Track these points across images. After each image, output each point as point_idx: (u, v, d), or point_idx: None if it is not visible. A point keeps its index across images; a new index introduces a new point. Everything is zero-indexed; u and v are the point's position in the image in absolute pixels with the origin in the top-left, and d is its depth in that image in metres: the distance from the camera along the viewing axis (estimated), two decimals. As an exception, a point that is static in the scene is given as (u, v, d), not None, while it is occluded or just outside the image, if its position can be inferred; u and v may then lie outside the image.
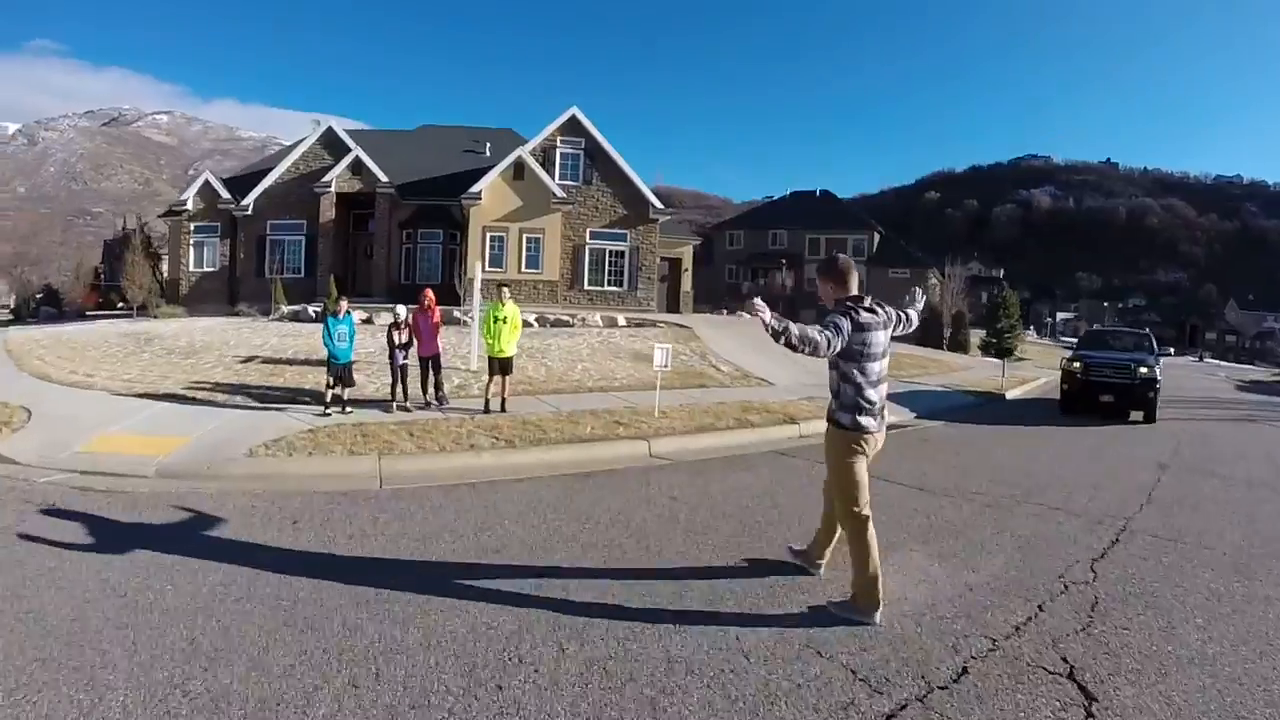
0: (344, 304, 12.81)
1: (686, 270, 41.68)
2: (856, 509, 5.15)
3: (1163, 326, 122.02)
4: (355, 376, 12.76)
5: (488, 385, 12.75)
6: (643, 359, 18.83)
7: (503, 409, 12.31)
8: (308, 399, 12.62)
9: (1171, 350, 28.05)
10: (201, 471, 8.61)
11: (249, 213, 34.94)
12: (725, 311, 45.39)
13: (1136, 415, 17.46)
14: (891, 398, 6.69)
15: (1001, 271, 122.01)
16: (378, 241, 35.19)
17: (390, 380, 12.67)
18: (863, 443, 5.14)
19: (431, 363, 13.00)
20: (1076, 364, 18.31)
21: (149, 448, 9.32)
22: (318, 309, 25.39)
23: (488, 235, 32.14)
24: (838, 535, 5.69)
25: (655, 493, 8.34)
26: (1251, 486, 10.37)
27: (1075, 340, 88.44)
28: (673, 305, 38.19)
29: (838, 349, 4.90)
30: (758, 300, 4.76)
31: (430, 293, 13.59)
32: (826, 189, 78.34)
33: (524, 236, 32.54)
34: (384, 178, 34.42)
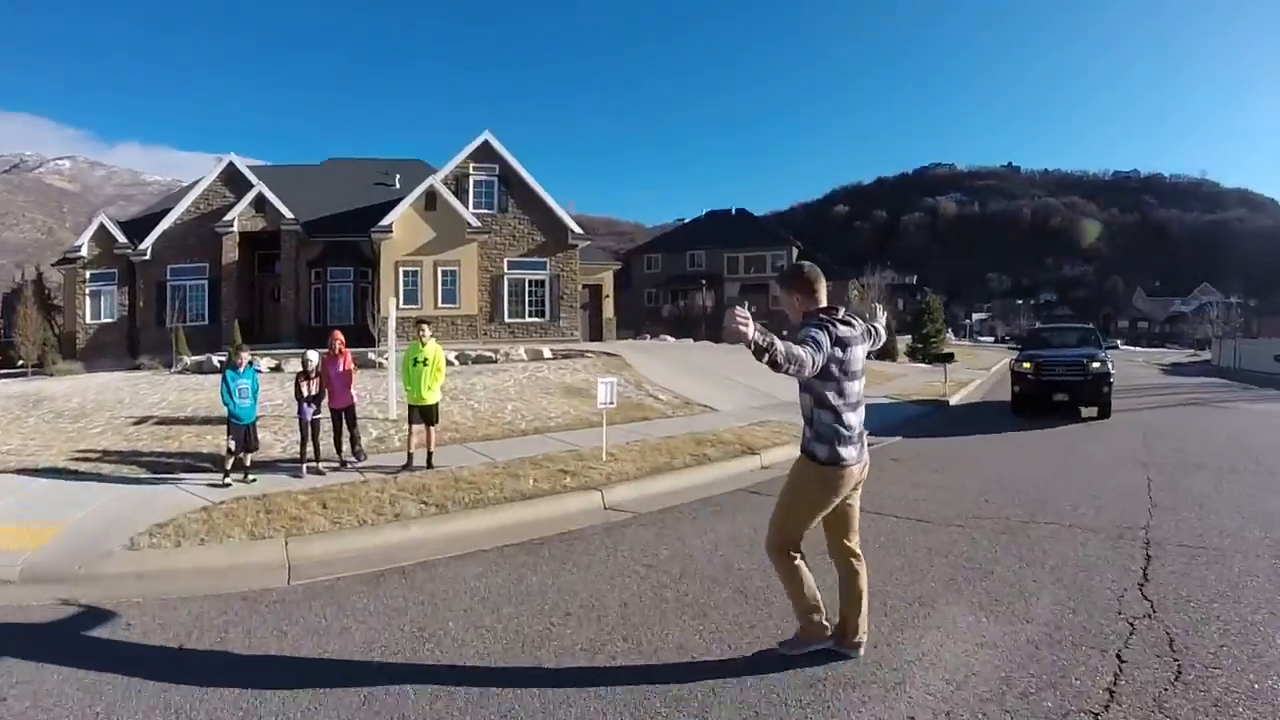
0: (245, 355, 11.05)
1: (608, 297, 40.81)
2: (792, 552, 4.70)
3: (1076, 318, 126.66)
4: (261, 435, 11.20)
5: (409, 437, 11.15)
6: (576, 393, 17.91)
7: (429, 464, 10.79)
8: (207, 465, 10.90)
9: (1118, 342, 27.96)
10: (73, 572, 6.85)
11: (147, 257, 32.47)
12: (648, 336, 44.95)
13: (1090, 411, 17.57)
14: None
15: (914, 278, 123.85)
16: (284, 282, 32.97)
17: (299, 438, 10.94)
18: (840, 479, 4.56)
19: (345, 415, 11.43)
20: (1027, 364, 18.15)
21: (15, 540, 7.50)
22: (222, 358, 23.40)
23: (401, 270, 30.59)
24: (864, 600, 4.80)
25: (626, 561, 6.97)
26: (1239, 474, 10.66)
27: (994, 339, 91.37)
28: (595, 333, 37.04)
29: (819, 367, 4.29)
30: (739, 310, 3.82)
31: (339, 335, 11.80)
32: (742, 208, 78.05)
33: (439, 270, 31.06)
34: (289, 214, 32.33)
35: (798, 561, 4.69)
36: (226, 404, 10.27)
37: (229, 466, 9.97)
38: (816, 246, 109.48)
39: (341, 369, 11.43)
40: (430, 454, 11.00)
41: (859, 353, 4.66)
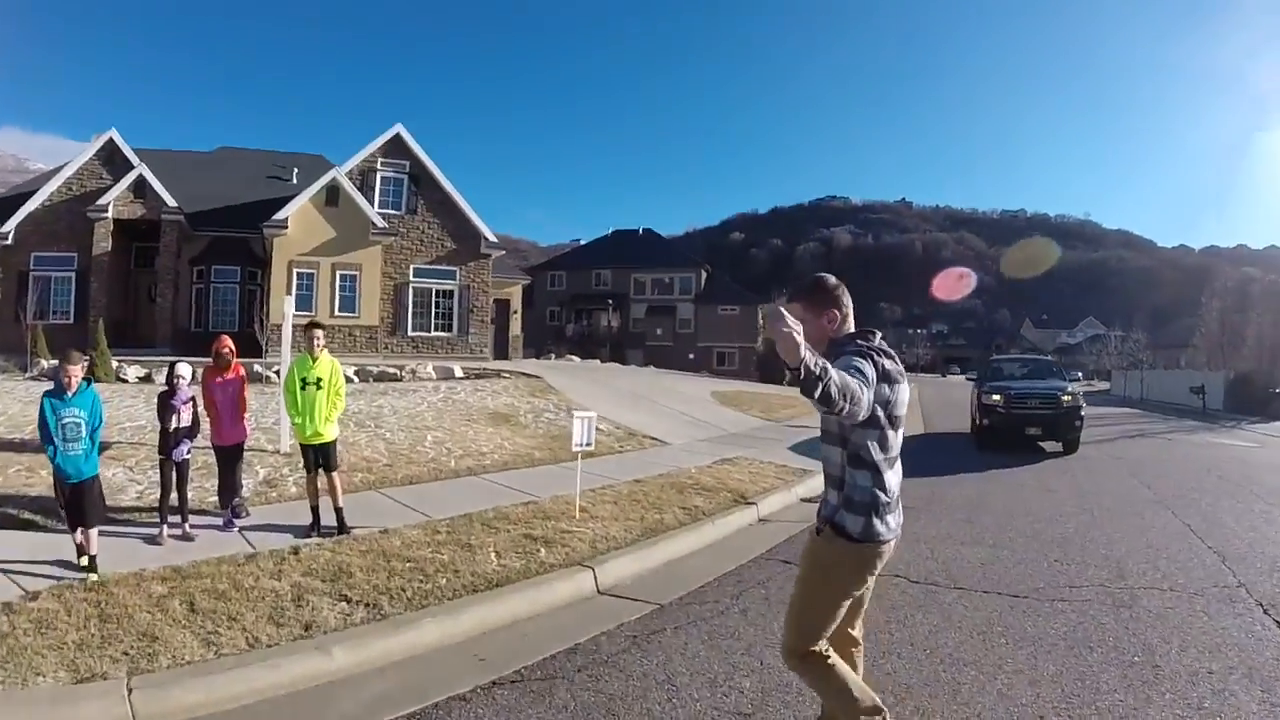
0: (76, 369, 6.35)
1: (515, 313, 38.43)
2: (816, 648, 3.52)
3: (969, 349, 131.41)
4: (114, 471, 8.81)
5: (311, 485, 8.10)
6: (503, 420, 15.65)
7: (341, 527, 7.81)
8: (35, 518, 7.78)
9: (1079, 375, 27.90)
10: None
11: (9, 242, 27.66)
12: (553, 355, 43.44)
13: (1055, 446, 17.21)
14: (804, 450, 6.40)
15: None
16: (163, 279, 28.62)
17: (159, 486, 7.65)
18: (877, 558, 3.47)
19: (230, 455, 8.38)
20: (997, 396, 17.47)
21: None
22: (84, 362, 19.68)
23: (294, 271, 26.96)
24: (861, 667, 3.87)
25: (703, 707, 4.42)
26: (1256, 506, 11.14)
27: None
28: (501, 351, 34.32)
29: (870, 409, 3.10)
30: (788, 318, 2.67)
31: (228, 342, 8.65)
32: (649, 228, 76.15)
33: (338, 273, 27.58)
34: (172, 202, 27.85)
35: (831, 659, 3.59)
36: (48, 450, 6.33)
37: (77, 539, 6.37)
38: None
39: (233, 391, 8.45)
40: (339, 510, 7.97)
41: (905, 394, 3.51)
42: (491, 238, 31.62)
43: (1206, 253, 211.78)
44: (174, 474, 7.62)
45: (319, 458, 8.14)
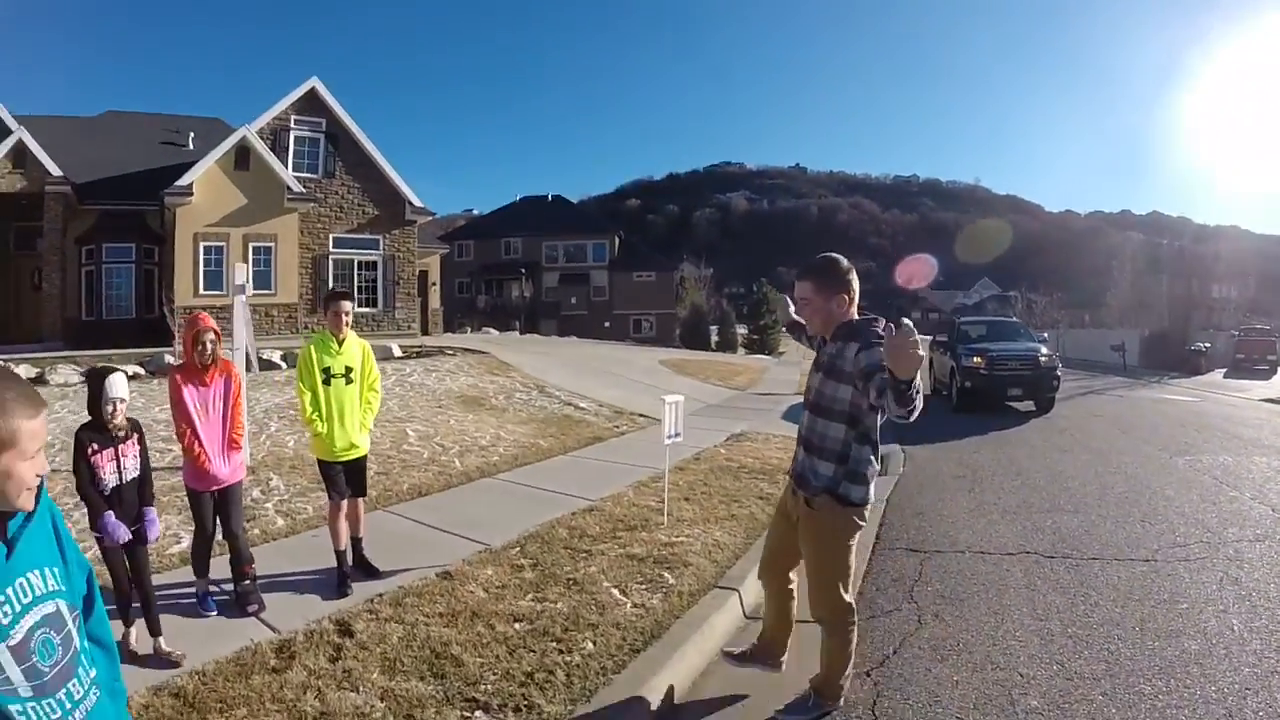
0: None
1: (434, 285, 35.97)
2: (847, 596, 3.94)
3: (868, 310, 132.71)
4: None
5: (336, 520, 5.73)
6: (476, 404, 14.07)
7: (364, 567, 5.84)
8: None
9: (1045, 335, 28.42)
10: None
11: None
12: (468, 329, 41.94)
13: (1029, 406, 17.36)
14: (796, 419, 4.47)
15: (710, 271, 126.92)
16: (48, 263, 24.48)
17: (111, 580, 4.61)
18: (864, 517, 3.88)
19: (226, 504, 5.45)
20: (978, 359, 17.22)
21: None
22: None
23: (201, 245, 23.70)
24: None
25: None
26: (1252, 453, 12.01)
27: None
28: (422, 327, 31.82)
29: None
30: (916, 337, 3.00)
31: (209, 321, 5.47)
32: (559, 194, 73.82)
33: (250, 245, 24.36)
34: (57, 171, 23.61)
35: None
36: None
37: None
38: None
39: (224, 401, 5.44)
40: (358, 542, 5.93)
41: None
42: (417, 202, 28.93)
43: (1092, 217, 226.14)
44: (125, 567, 4.69)
45: (351, 479, 5.92)
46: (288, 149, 26.17)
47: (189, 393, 5.24)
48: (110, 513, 4.42)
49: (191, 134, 29.90)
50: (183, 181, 23.32)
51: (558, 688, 4.00)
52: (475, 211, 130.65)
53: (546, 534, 6.66)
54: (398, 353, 20.38)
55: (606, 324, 58.30)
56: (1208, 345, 41.69)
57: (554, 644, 4.49)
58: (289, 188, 25.01)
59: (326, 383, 5.85)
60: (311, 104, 27.03)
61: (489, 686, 3.98)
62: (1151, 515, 8.23)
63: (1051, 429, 14.86)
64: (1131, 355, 41.54)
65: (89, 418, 4.59)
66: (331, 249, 27.16)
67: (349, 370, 5.97)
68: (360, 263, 27.81)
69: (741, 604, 5.46)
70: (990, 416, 16.04)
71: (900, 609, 5.53)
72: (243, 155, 24.43)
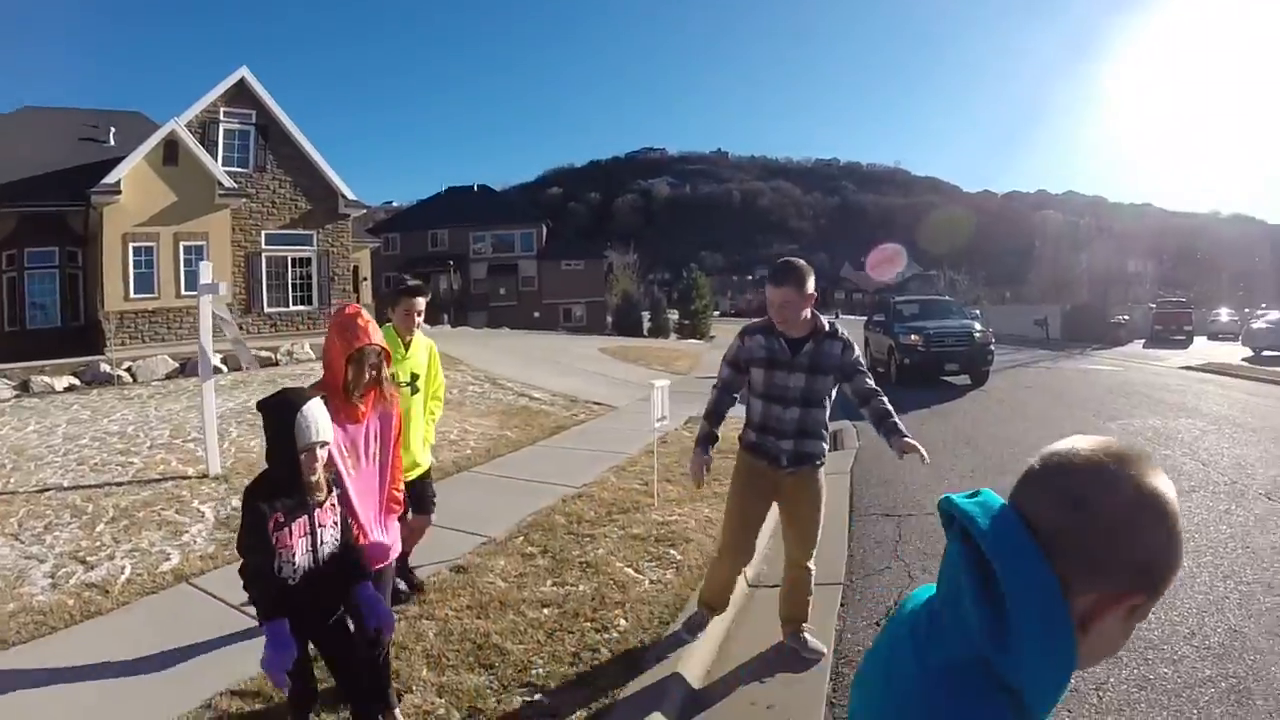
0: None
1: (365, 280, 35.61)
2: None
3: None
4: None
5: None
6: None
7: (409, 580, 5.23)
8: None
9: (978, 312, 29.56)
10: None
11: None
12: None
13: (964, 379, 18.01)
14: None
15: (635, 258, 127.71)
16: None
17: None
18: None
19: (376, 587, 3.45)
20: (915, 336, 17.95)
21: None
22: None
23: (130, 245, 22.64)
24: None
25: None
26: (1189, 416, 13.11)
27: (720, 313, 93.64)
28: (353, 323, 31.41)
29: None
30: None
31: (368, 325, 3.44)
32: (485, 184, 73.23)
33: (181, 245, 23.40)
34: None
35: None
36: None
37: None
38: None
39: (382, 442, 3.69)
40: (405, 557, 4.94)
41: None
42: (350, 195, 28.25)
43: (1009, 197, 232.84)
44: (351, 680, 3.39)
45: (413, 500, 4.78)
46: (217, 142, 25.29)
47: (335, 433, 3.33)
48: (285, 624, 2.86)
49: (112, 129, 28.21)
50: (109, 179, 22.25)
51: (604, 663, 4.17)
52: (395, 203, 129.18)
53: (545, 522, 6.74)
54: None
55: (536, 314, 58.03)
56: (1127, 317, 43.62)
57: (588, 624, 4.63)
58: (220, 183, 24.18)
59: (401, 389, 4.64)
60: (241, 95, 26.15)
61: (540, 670, 4.08)
62: None
63: (988, 400, 15.63)
64: (1054, 329, 43.14)
65: (263, 465, 3.09)
66: (265, 246, 26.38)
67: (415, 378, 5.02)
68: (294, 259, 27.11)
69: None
70: (929, 390, 16.54)
71: (890, 567, 6.02)
72: (171, 150, 23.47)
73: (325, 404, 3.11)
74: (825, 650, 4.50)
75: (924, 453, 3.98)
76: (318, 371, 12.87)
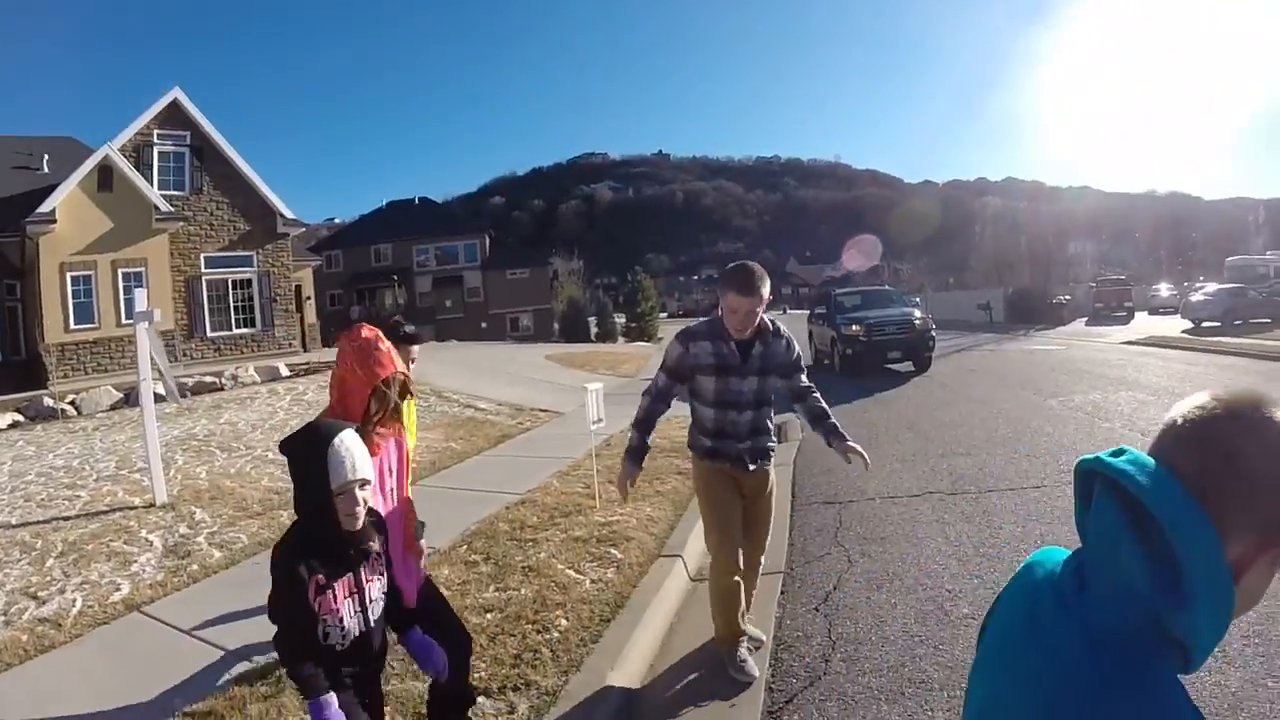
0: None
1: (309, 299, 35.32)
2: None
3: None
4: None
5: None
6: None
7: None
8: None
9: (918, 300, 30.43)
10: None
11: None
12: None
13: (908, 366, 18.52)
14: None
15: (580, 263, 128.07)
16: None
17: None
18: None
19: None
20: (856, 326, 18.25)
21: None
22: None
23: (68, 275, 22.45)
24: None
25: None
26: (1120, 391, 13.49)
27: (668, 315, 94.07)
28: (300, 342, 31.18)
29: None
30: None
31: (381, 340, 3.03)
32: (426, 196, 72.99)
33: (119, 272, 23.15)
34: None
35: None
36: None
37: None
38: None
39: (402, 474, 3.38)
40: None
41: None
42: (289, 214, 28.12)
43: (951, 185, 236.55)
44: None
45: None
46: (152, 166, 25.08)
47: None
48: (332, 701, 2.46)
49: (45, 156, 28.07)
50: (44, 208, 22.00)
51: (546, 664, 4.26)
52: (337, 220, 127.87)
53: (488, 529, 6.87)
54: (285, 372, 20.12)
55: (483, 325, 57.95)
56: (1068, 297, 44.78)
57: (530, 626, 4.73)
58: (157, 207, 23.96)
59: None
60: (174, 117, 25.96)
61: (483, 673, 4.18)
62: (1035, 451, 9.27)
63: (932, 385, 15.99)
64: (998, 312, 43.83)
65: (291, 517, 2.64)
66: (204, 269, 26.17)
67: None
68: (235, 281, 26.92)
69: (686, 569, 5.93)
70: (873, 379, 16.79)
71: (830, 553, 6.20)
72: (105, 175, 23.21)
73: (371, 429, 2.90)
74: (764, 638, 4.65)
75: (867, 458, 4.15)
76: (264, 395, 13.10)
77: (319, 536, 2.47)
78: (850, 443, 4.22)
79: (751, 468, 4.36)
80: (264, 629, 4.45)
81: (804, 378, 4.51)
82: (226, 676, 4.42)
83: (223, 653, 4.76)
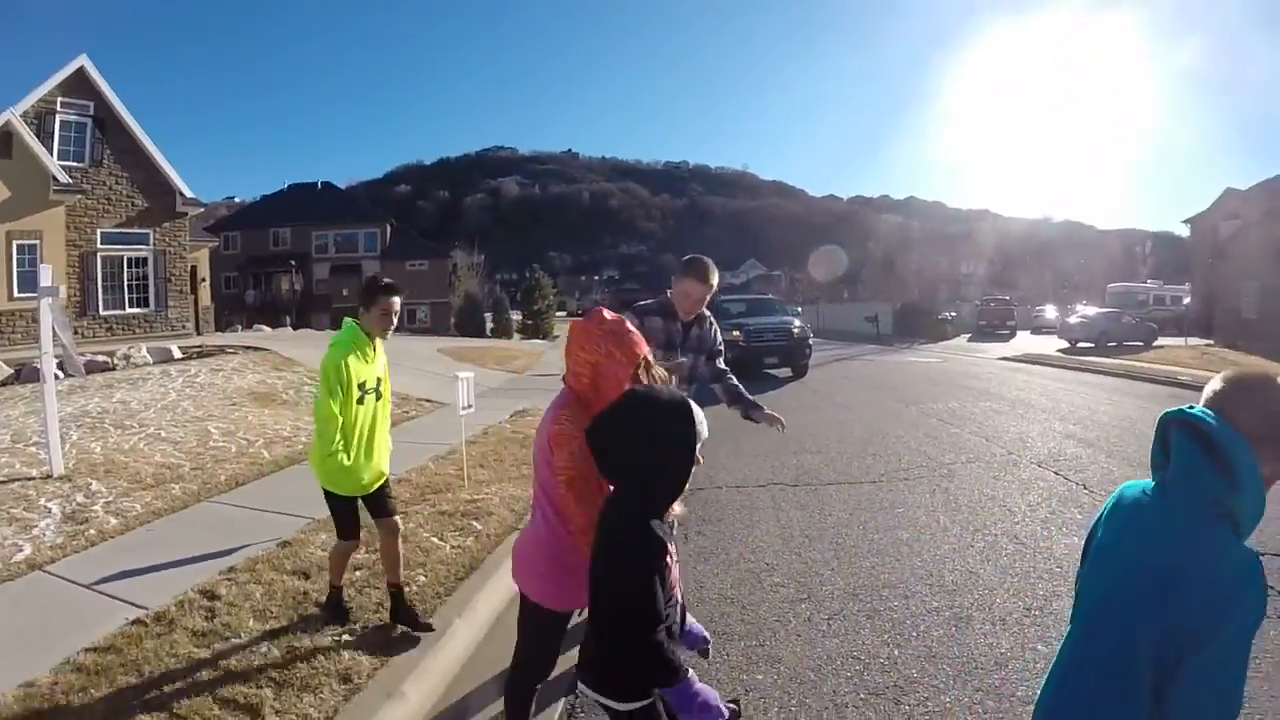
0: None
1: (204, 280, 34.82)
2: None
3: (641, 292, 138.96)
4: None
5: (342, 560, 5.06)
6: (269, 400, 14.42)
7: (413, 621, 4.84)
8: None
9: (799, 309, 31.94)
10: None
11: None
12: (239, 327, 39.60)
13: (786, 372, 19.66)
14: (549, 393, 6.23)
15: (482, 258, 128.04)
16: None
17: None
18: None
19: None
20: (736, 332, 18.63)
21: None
22: None
23: None
24: None
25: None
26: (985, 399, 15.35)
27: (566, 314, 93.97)
28: (193, 325, 30.60)
29: None
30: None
31: (628, 321, 3.17)
32: (329, 181, 71.72)
33: (14, 244, 22.51)
34: None
35: None
36: None
37: None
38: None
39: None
40: (399, 591, 4.93)
41: None
42: (188, 193, 27.66)
43: (854, 201, 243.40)
44: None
45: (376, 502, 4.93)
46: (53, 135, 24.24)
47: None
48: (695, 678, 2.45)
49: None
50: (-61, 173, 21.17)
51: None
52: (237, 198, 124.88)
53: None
54: (178, 354, 19.83)
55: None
56: (954, 314, 47.82)
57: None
58: (55, 178, 23.30)
59: (360, 401, 4.66)
60: (80, 85, 25.05)
61: (351, 617, 4.96)
62: (882, 451, 10.43)
63: (804, 390, 17.17)
64: (885, 325, 45.46)
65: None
66: (100, 245, 25.52)
67: (379, 382, 4.84)
68: (130, 259, 26.38)
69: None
70: (750, 383, 17.38)
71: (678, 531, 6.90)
72: (4, 142, 22.38)
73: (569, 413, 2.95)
74: None
75: (783, 421, 4.80)
76: (156, 376, 13.03)
77: (664, 502, 2.44)
78: (768, 411, 4.81)
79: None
80: (160, 586, 5.41)
81: (722, 361, 5.13)
82: (124, 621, 4.88)
83: (121, 603, 5.22)
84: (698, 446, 2.43)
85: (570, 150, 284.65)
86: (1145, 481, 1.99)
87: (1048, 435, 11.66)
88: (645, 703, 2.41)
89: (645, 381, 2.90)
